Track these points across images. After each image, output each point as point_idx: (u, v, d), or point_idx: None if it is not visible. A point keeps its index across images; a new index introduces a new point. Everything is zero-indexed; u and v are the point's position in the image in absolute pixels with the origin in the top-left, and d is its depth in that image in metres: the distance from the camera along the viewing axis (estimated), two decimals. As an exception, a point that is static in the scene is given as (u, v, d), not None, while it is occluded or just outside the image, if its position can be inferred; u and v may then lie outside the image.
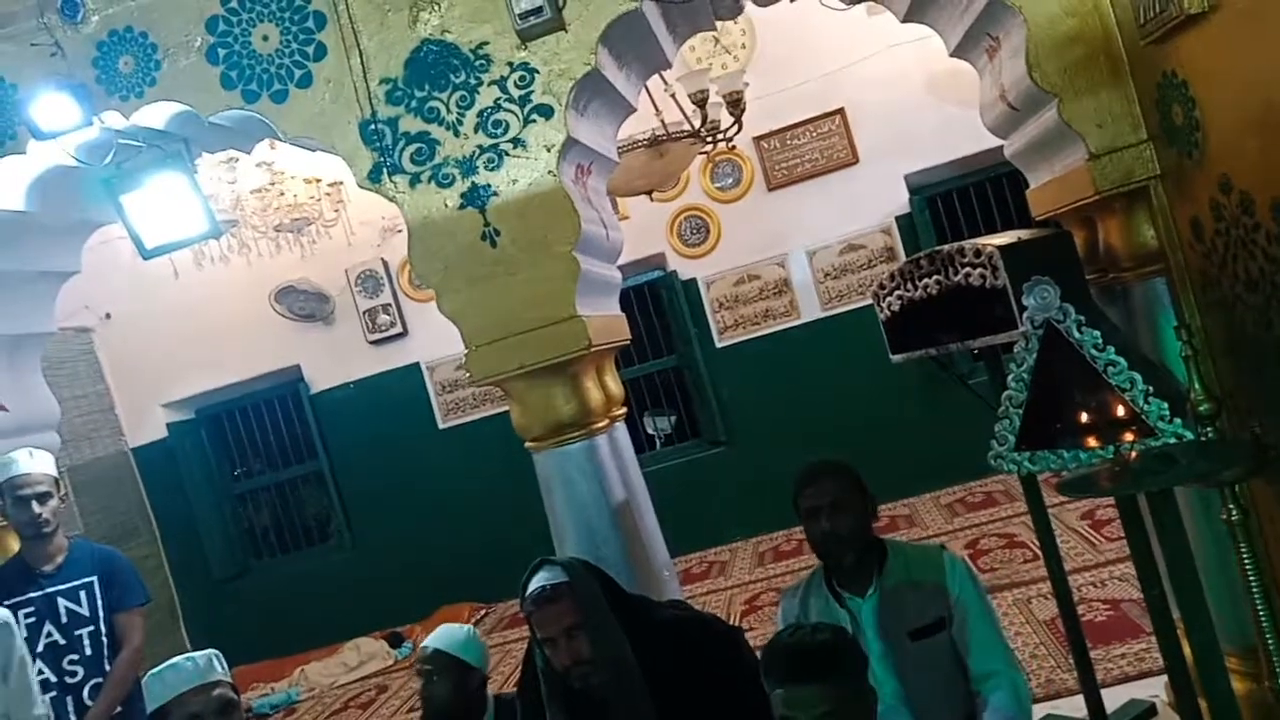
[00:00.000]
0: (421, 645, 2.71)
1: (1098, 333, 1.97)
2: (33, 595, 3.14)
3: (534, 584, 2.24)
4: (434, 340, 6.90)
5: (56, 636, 3.14)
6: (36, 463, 3.21)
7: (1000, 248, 2.34)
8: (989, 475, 6.43)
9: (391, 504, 7.46)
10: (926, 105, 6.44)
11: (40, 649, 3.10)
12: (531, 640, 2.29)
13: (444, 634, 2.73)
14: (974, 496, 6.33)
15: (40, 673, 3.06)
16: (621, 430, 3.00)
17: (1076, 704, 3.00)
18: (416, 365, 7.39)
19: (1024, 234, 2.60)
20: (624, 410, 3.01)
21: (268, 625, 7.16)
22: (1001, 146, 3.15)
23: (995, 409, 2.18)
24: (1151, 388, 1.91)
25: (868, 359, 6.41)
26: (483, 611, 7.05)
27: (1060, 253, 2.41)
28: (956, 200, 6.84)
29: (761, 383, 6.98)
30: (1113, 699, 3.03)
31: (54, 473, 3.26)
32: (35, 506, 3.14)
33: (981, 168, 6.46)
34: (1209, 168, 2.13)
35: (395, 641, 6.82)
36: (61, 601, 3.17)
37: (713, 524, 6.94)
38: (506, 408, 2.90)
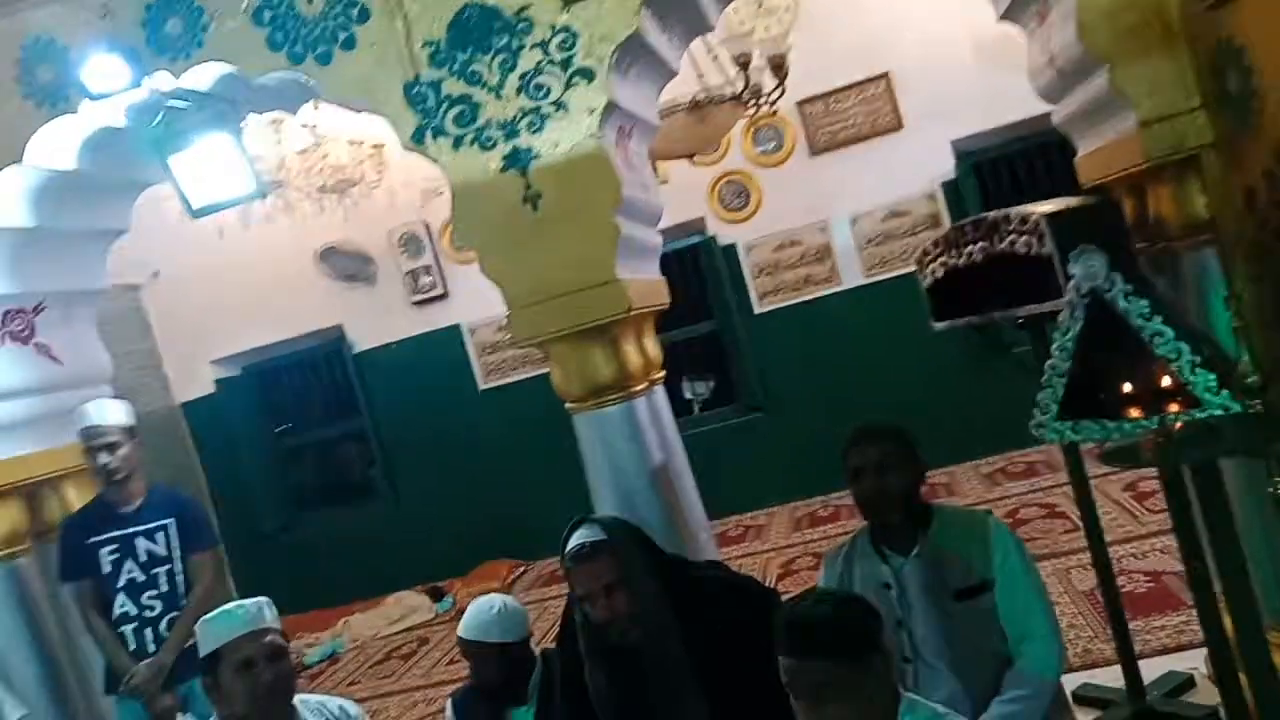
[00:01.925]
0: (459, 635, 2.74)
1: (1145, 302, 1.95)
2: (114, 534, 3.33)
3: (573, 541, 2.28)
4: (475, 302, 6.94)
5: (136, 573, 3.33)
6: (106, 413, 3.38)
7: (1047, 215, 2.31)
8: (1030, 445, 6.37)
9: (432, 462, 7.57)
10: (974, 70, 6.30)
11: (121, 584, 3.32)
12: (571, 596, 2.33)
13: (476, 620, 2.73)
14: (1015, 466, 6.29)
15: (121, 605, 3.31)
16: (660, 393, 3.02)
17: (1114, 674, 3.00)
18: (457, 327, 7.45)
19: (1071, 202, 2.56)
20: (662, 374, 3.03)
21: (312, 578, 7.33)
22: (1049, 113, 3.09)
23: (1038, 378, 2.16)
24: (1199, 359, 1.89)
25: (909, 327, 6.35)
26: (521, 569, 7.15)
27: (1108, 221, 2.38)
28: (1003, 167, 6.71)
29: (800, 349, 6.95)
30: (1150, 670, 3.02)
31: (125, 421, 3.41)
32: (104, 456, 3.31)
33: (1029, 134, 6.32)
34: (1264, 136, 2.08)
35: (436, 595, 6.96)
36: (140, 541, 3.36)
37: (749, 488, 6.96)
38: (546, 370, 2.93)
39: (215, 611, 2.19)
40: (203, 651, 2.14)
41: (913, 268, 3.06)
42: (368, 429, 7.81)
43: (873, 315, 6.70)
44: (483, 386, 7.50)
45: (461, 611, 5.67)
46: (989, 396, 6.38)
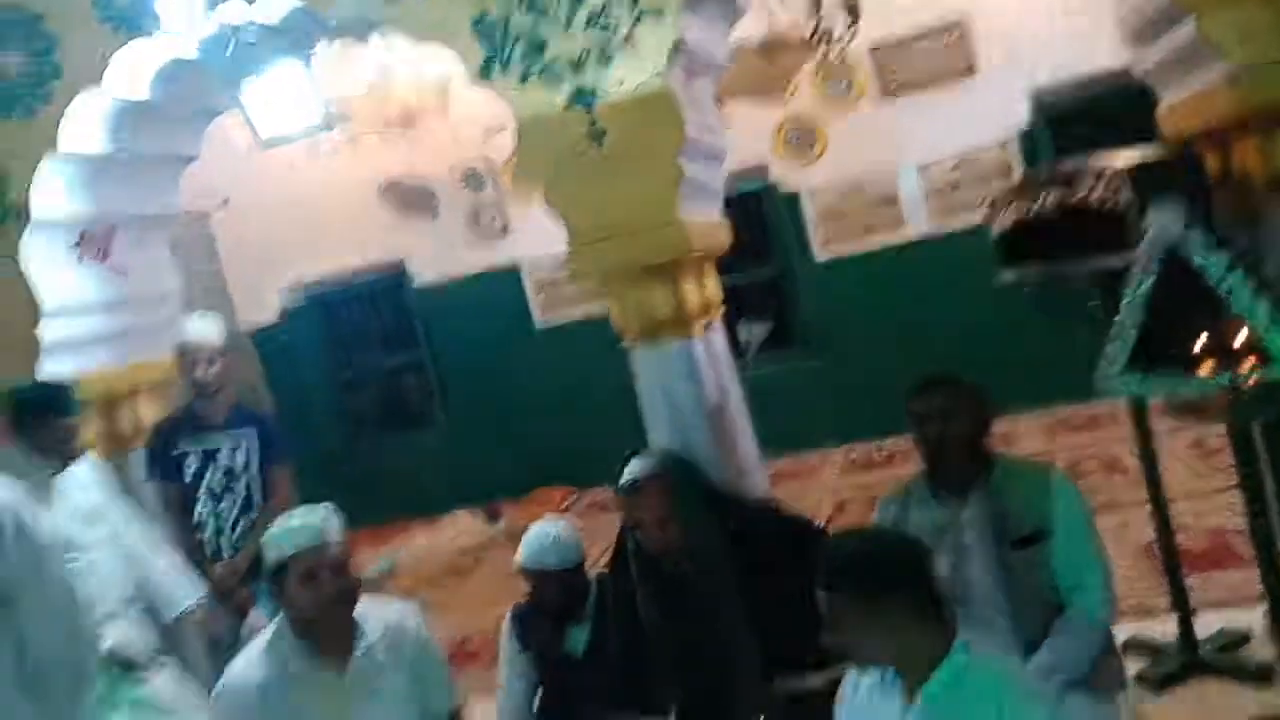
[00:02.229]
0: (518, 561, 2.82)
1: (1222, 258, 1.90)
2: (199, 445, 3.53)
3: (629, 473, 2.33)
4: (535, 239, 6.95)
5: (217, 482, 3.54)
6: (204, 329, 3.57)
7: (1125, 167, 2.26)
8: (1093, 399, 6.25)
9: (489, 394, 7.70)
10: (1052, 18, 6.08)
11: (203, 492, 3.51)
12: (624, 525, 2.39)
13: (534, 548, 2.81)
14: (1076, 419, 6.20)
15: (201, 511, 3.51)
16: (718, 332, 3.03)
17: (1167, 628, 2.98)
18: (517, 263, 7.50)
19: (1150, 154, 2.49)
20: (721, 313, 3.03)
21: (372, 499, 7.48)
22: (1129, 63, 2.98)
23: (1106, 332, 2.14)
24: (1275, 317, 1.84)
25: (974, 278, 6.25)
26: (574, 495, 7.27)
27: (1188, 175, 2.31)
28: (1080, 118, 6.46)
29: (861, 297, 6.88)
30: (1205, 626, 3.00)
31: (219, 338, 3.59)
32: (200, 370, 3.49)
33: (1107, 85, 6.08)
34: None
35: (492, 517, 7.13)
36: (223, 453, 3.56)
37: (803, 431, 6.95)
38: (604, 308, 2.95)
39: (281, 524, 2.27)
40: (269, 561, 2.22)
41: (980, 220, 3.00)
42: (426, 361, 7.97)
43: (937, 266, 6.60)
44: (540, 323, 7.57)
45: (515, 534, 5.81)
46: (1053, 349, 6.26)
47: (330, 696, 2.17)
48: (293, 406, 7.97)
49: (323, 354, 8.28)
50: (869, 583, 1.59)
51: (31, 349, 3.32)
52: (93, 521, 3.02)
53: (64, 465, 3.00)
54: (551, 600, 2.77)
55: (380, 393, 8.40)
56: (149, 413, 3.79)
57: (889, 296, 6.76)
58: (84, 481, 3.09)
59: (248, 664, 2.19)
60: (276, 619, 2.27)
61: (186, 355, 3.53)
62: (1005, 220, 2.73)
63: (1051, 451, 5.66)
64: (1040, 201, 2.56)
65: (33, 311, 3.33)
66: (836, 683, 2.12)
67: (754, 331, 7.46)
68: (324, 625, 2.18)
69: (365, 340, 8.30)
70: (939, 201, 6.65)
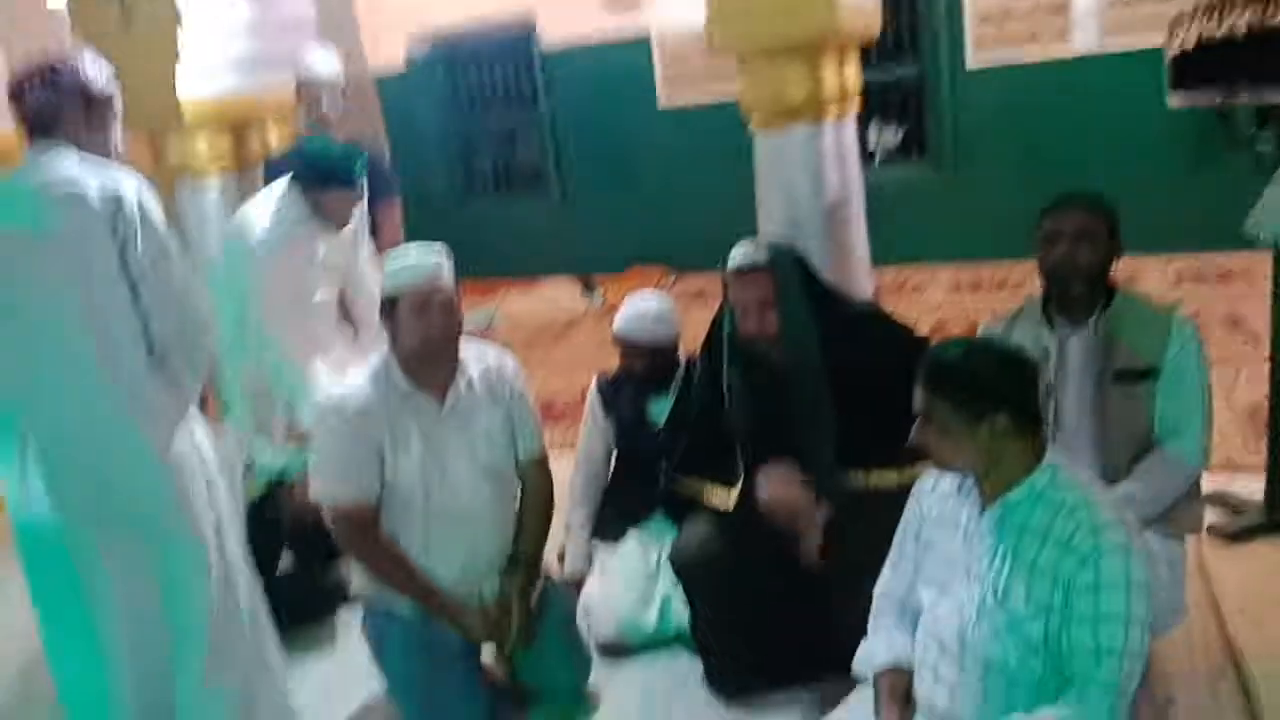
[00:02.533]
0: (621, 328, 2.86)
1: None
2: None
3: (737, 255, 2.33)
4: (671, 10, 6.70)
5: None
6: (323, 62, 3.55)
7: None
8: (1232, 249, 5.91)
9: (603, 166, 7.67)
10: None
11: None
12: (723, 306, 2.41)
13: (633, 316, 2.85)
14: (1207, 269, 5.89)
15: None
16: (849, 126, 2.90)
17: (1253, 487, 2.94)
18: (647, 36, 7.23)
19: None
20: (856, 105, 2.90)
21: (477, 254, 7.67)
22: None
23: (1269, 175, 1.98)
24: None
25: (1137, 104, 5.82)
26: (672, 278, 7.33)
27: None
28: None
29: (1006, 112, 6.47)
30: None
31: (338, 74, 3.58)
32: (322, 106, 3.51)
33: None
34: None
35: (588, 287, 7.29)
36: None
37: (917, 244, 6.77)
38: (730, 92, 2.83)
39: (399, 259, 2.35)
40: (384, 292, 2.32)
41: (1158, 41, 2.74)
42: (545, 126, 7.91)
43: (1100, 87, 6.12)
44: (664, 101, 7.38)
45: (611, 307, 5.93)
46: (1204, 191, 5.89)
47: (429, 425, 2.32)
48: (410, 156, 8.08)
49: (444, 107, 8.27)
50: (971, 394, 1.58)
51: (172, 68, 3.39)
52: None
53: (337, 230, 3.03)
54: (640, 370, 2.85)
55: (496, 152, 8.42)
56: (279, 140, 3.87)
57: (1036, 116, 6.36)
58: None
59: (354, 386, 2.31)
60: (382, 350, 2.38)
61: (306, 88, 3.53)
62: (1188, 38, 2.49)
63: (1174, 299, 5.41)
64: (1232, 20, 2.32)
65: (174, 30, 3.37)
66: (909, 484, 2.19)
67: (885, 135, 7.14)
68: (428, 358, 2.30)
69: (487, 98, 8.25)
70: (1117, 14, 6.06)
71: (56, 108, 2.07)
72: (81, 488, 2.07)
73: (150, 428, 2.10)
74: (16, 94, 2.09)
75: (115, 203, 1.99)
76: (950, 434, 1.60)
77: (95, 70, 2.13)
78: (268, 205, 2.98)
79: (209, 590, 2.17)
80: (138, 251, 2.01)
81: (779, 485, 2.33)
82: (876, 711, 1.72)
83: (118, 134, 2.19)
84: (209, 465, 2.23)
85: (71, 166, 2.02)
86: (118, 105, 2.18)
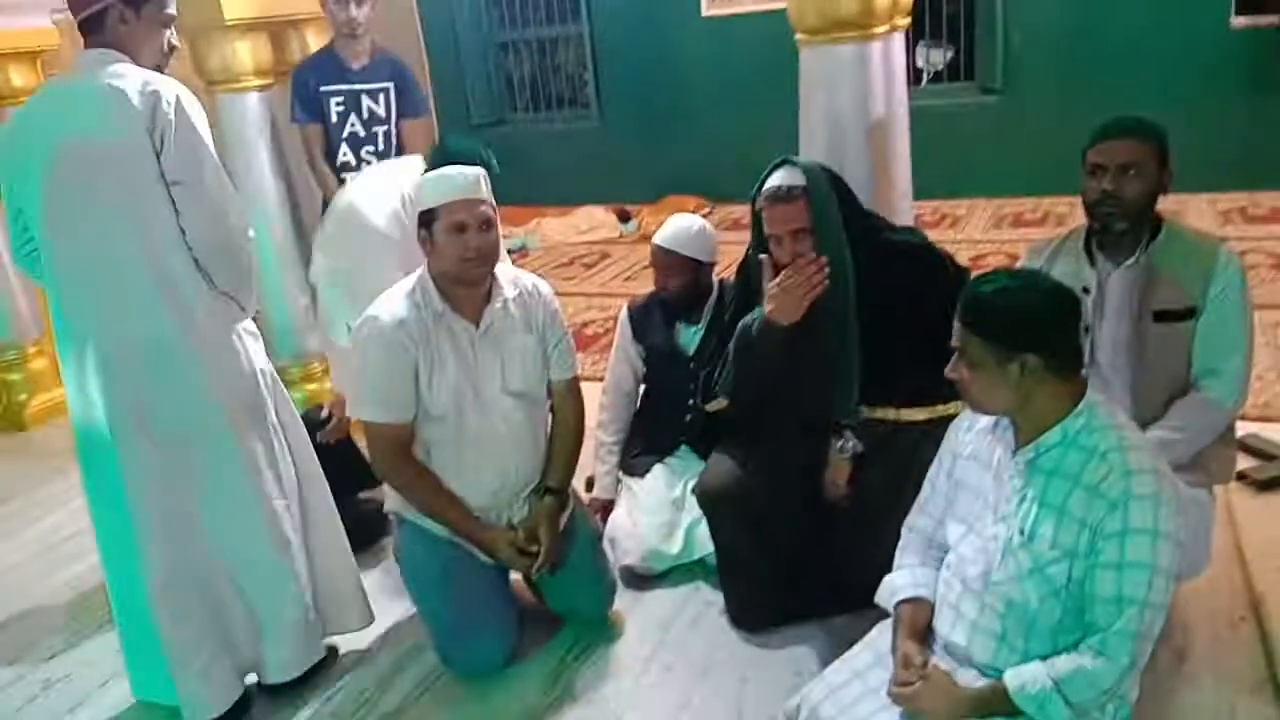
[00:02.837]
0: (660, 242, 2.80)
1: None
2: (343, 88, 3.53)
3: (773, 180, 2.26)
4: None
5: (358, 128, 3.57)
6: None
7: None
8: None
9: (644, 84, 7.53)
10: None
11: (345, 135, 3.57)
12: (755, 232, 2.36)
13: (675, 232, 2.80)
14: (1257, 208, 5.72)
15: (344, 155, 3.57)
16: (899, 43, 2.79)
17: (1289, 433, 2.91)
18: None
19: None
20: (907, 22, 2.79)
21: (514, 176, 7.59)
22: None
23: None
24: None
25: (1198, 24, 5.59)
26: (707, 209, 7.26)
27: None
28: None
29: (1061, 32, 6.25)
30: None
31: None
32: (353, 9, 3.40)
33: None
34: None
35: (623, 217, 7.24)
36: (364, 99, 3.56)
37: (960, 175, 6.64)
38: (773, 2, 2.72)
39: (437, 173, 2.31)
40: (421, 206, 2.28)
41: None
42: (586, 35, 7.75)
43: (1159, 3, 5.87)
44: (706, 12, 7.19)
45: (645, 236, 5.88)
46: (1259, 124, 5.70)
47: (463, 346, 2.31)
48: (447, 71, 7.96)
49: (484, 14, 8.11)
50: (1004, 331, 1.53)
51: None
52: None
53: None
54: (675, 289, 2.80)
55: (536, 65, 8.27)
56: (316, 45, 3.74)
57: (1094, 35, 6.13)
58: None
59: (391, 302, 2.30)
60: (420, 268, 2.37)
61: None
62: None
63: (1220, 237, 5.27)
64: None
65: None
66: (939, 420, 2.17)
67: (933, 57, 6.94)
68: (465, 276, 2.27)
69: (527, 3, 8.07)
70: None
71: (102, 12, 2.07)
72: (132, 396, 2.12)
73: (195, 336, 2.14)
74: None
75: (153, 106, 2.01)
76: (981, 371, 1.56)
77: None
78: (392, 198, 2.84)
79: (254, 494, 2.24)
80: (172, 155, 2.03)
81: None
82: (895, 642, 1.74)
83: (168, 41, 2.19)
84: (262, 375, 2.28)
85: (118, 70, 2.04)
86: (170, 10, 2.17)
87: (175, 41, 2.21)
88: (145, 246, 2.07)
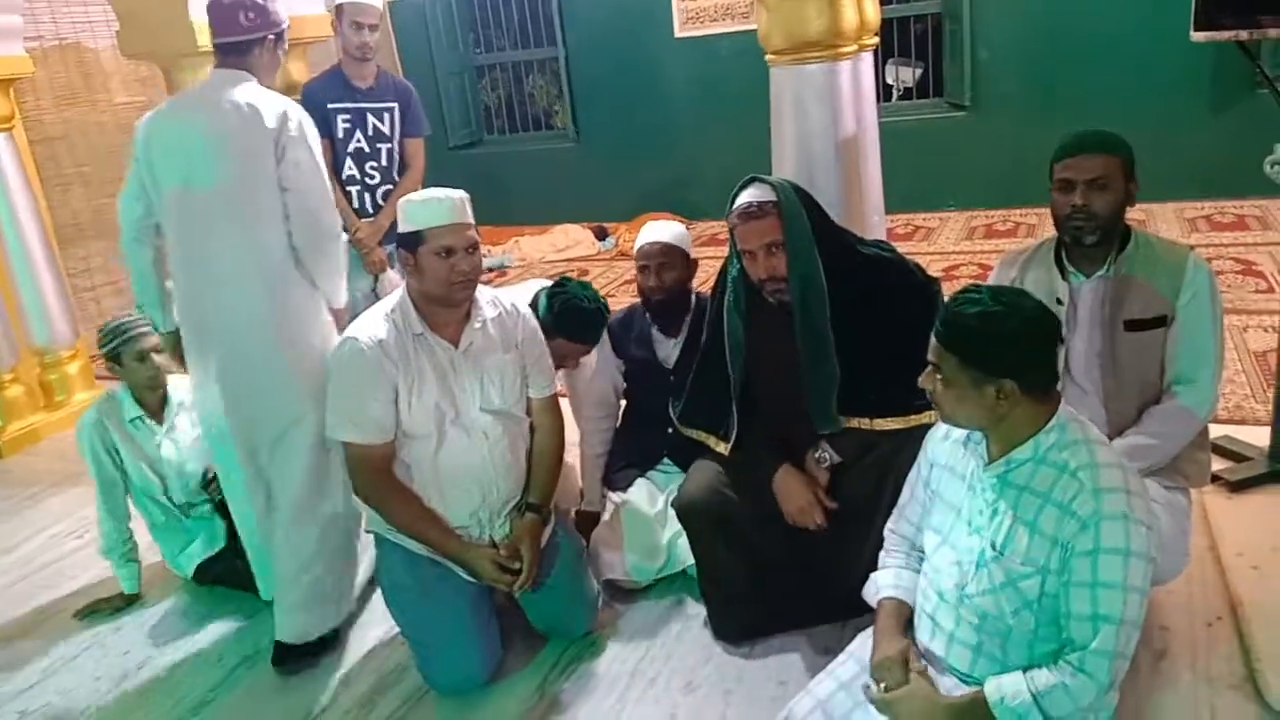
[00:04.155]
0: (649, 240, 2.81)
1: None
2: (350, 106, 3.67)
3: (744, 197, 2.28)
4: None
5: (363, 144, 3.71)
6: None
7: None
8: (1248, 196, 5.86)
9: (618, 104, 7.58)
10: None
11: (350, 150, 3.70)
12: (731, 249, 2.39)
13: (666, 229, 2.84)
14: (1223, 216, 5.83)
15: (349, 169, 3.71)
16: (867, 62, 2.85)
17: (1260, 435, 2.95)
18: (665, -34, 7.11)
19: None
20: (875, 41, 2.84)
21: (491, 196, 7.69)
22: None
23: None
24: None
25: (1159, 39, 5.72)
26: (684, 226, 7.31)
27: None
28: None
29: (1026, 48, 6.37)
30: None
31: (381, 5, 3.64)
32: (365, 34, 3.59)
33: None
34: None
35: (601, 234, 7.28)
36: (370, 118, 3.70)
37: (930, 189, 6.74)
38: (745, 23, 2.78)
39: (424, 196, 2.33)
40: (404, 229, 2.29)
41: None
42: (560, 59, 7.79)
43: (1119, 21, 6.01)
44: (679, 34, 7.26)
45: (623, 252, 5.89)
46: (1222, 133, 5.83)
47: (442, 366, 2.32)
48: (424, 90, 7.96)
49: (458, 40, 8.15)
50: (989, 361, 1.52)
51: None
52: None
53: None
54: (671, 283, 2.77)
55: (511, 88, 8.31)
56: (296, 70, 3.90)
57: (1058, 49, 6.26)
58: None
59: (371, 323, 2.30)
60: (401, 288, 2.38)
61: (349, 16, 3.56)
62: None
63: (1187, 245, 5.37)
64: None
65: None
66: (915, 427, 2.19)
67: (902, 74, 7.04)
68: (450, 299, 2.29)
69: (502, 28, 8.12)
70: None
71: (252, 41, 2.45)
72: (241, 396, 2.47)
73: (288, 330, 2.46)
74: (217, 21, 2.45)
75: (283, 123, 2.38)
76: (954, 389, 1.56)
77: (282, 8, 2.50)
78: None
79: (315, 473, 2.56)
80: (289, 166, 2.39)
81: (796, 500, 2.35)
82: (875, 637, 1.74)
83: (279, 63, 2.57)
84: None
85: (251, 89, 2.42)
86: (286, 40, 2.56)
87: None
88: (257, 241, 2.41)
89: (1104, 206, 2.08)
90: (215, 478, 2.96)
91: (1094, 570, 1.48)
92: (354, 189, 3.72)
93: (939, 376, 1.58)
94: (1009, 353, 1.52)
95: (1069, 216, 2.11)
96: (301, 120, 2.42)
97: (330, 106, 3.63)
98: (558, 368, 2.67)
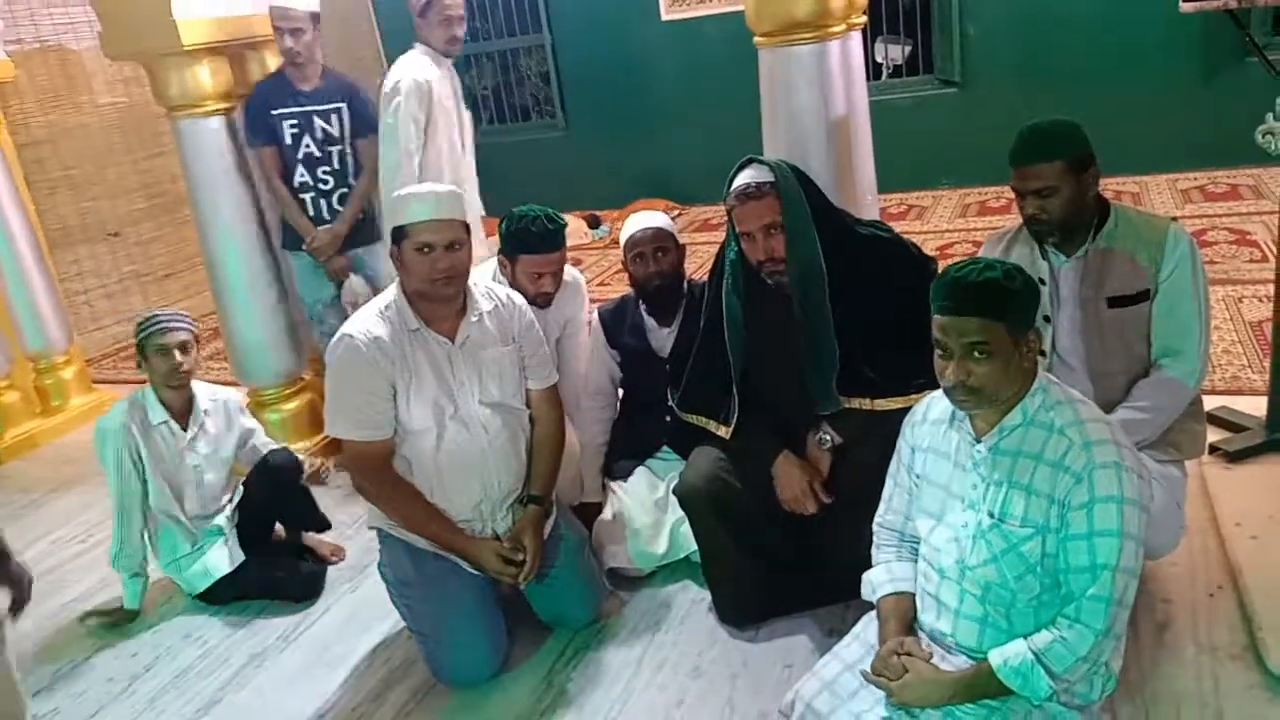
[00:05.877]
0: (640, 227, 2.81)
1: None
2: (295, 110, 3.51)
3: (740, 179, 2.28)
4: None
5: (313, 149, 3.55)
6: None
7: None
8: (1240, 166, 5.86)
9: (607, 91, 7.55)
10: None
11: (300, 156, 3.55)
12: (728, 232, 2.38)
13: (650, 216, 2.85)
14: (1216, 186, 5.82)
15: (301, 176, 3.56)
16: (856, 42, 2.83)
17: (1257, 404, 2.95)
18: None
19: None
20: (863, 20, 2.82)
21: (482, 186, 7.62)
22: None
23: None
24: None
25: (1146, 11, 5.71)
26: (676, 212, 7.29)
27: None
28: None
29: (1015, 22, 6.35)
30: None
31: (311, 7, 3.46)
32: (288, 39, 3.41)
33: None
34: None
35: (593, 223, 7.25)
36: (317, 120, 3.54)
37: (923, 167, 6.72)
38: (732, 5, 2.76)
39: (409, 190, 2.32)
40: (390, 224, 2.30)
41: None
42: (547, 46, 7.76)
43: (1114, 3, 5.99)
44: (666, 16, 7.22)
45: (616, 241, 5.86)
46: (1213, 103, 5.82)
47: (440, 361, 2.32)
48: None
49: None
50: (1025, 312, 1.56)
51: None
52: None
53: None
54: (667, 267, 2.77)
55: (498, 77, 8.26)
56: (277, 65, 3.74)
57: (1044, 25, 6.23)
58: None
59: (366, 321, 2.30)
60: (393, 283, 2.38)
61: (276, 22, 3.42)
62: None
63: (1182, 216, 5.37)
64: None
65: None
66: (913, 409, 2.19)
67: (891, 52, 7.01)
68: (434, 295, 2.28)
69: (488, 15, 8.06)
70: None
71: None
72: None
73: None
74: None
75: (394, 84, 3.17)
76: (998, 359, 1.55)
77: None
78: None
79: None
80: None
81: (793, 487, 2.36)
82: (881, 636, 1.75)
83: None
84: None
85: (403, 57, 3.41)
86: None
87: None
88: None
89: (1057, 210, 2.09)
90: (243, 495, 2.98)
91: (1090, 520, 1.51)
92: (308, 196, 3.57)
93: (986, 354, 1.54)
94: (1032, 302, 1.59)
95: (1030, 219, 2.15)
96: (398, 84, 3.27)
97: (275, 112, 3.49)
98: (540, 295, 2.69)
